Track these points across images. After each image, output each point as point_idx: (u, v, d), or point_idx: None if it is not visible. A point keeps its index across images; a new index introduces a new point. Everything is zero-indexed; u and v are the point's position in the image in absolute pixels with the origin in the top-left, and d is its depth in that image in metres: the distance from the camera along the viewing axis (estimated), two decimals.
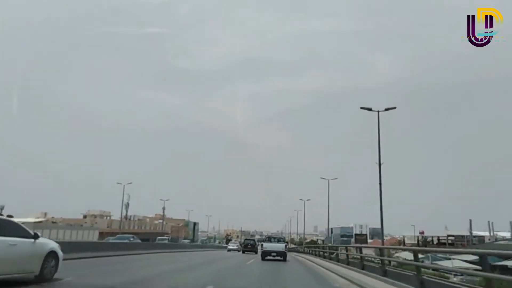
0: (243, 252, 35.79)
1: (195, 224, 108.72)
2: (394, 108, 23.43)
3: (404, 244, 69.11)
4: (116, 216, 71.95)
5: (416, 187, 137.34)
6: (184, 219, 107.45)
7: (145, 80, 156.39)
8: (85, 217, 76.00)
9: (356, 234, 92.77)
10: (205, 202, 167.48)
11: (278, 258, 22.84)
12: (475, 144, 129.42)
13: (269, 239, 26.33)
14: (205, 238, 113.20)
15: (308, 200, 63.99)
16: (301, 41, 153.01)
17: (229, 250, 44.01)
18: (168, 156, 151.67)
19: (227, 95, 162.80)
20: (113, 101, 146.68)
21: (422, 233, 73.35)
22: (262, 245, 25.31)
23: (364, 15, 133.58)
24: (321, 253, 27.87)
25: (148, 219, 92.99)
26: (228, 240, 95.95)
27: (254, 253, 34.83)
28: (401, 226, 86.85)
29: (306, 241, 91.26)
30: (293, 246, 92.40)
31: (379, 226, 23.32)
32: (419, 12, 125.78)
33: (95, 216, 75.37)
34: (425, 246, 61.95)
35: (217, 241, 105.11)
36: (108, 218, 76.81)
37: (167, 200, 75.55)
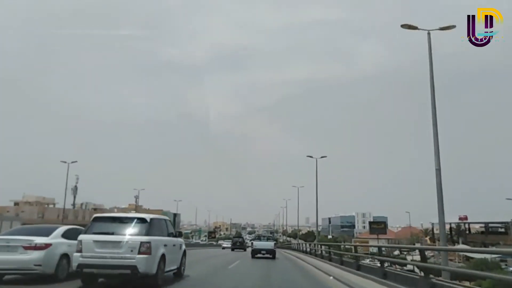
0: (232, 249, 36.43)
1: (175, 215, 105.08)
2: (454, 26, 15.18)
3: (433, 235, 60.54)
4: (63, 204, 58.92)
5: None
6: (162, 210, 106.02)
7: (130, 72, 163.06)
8: (16, 204, 63.42)
9: (371, 222, 74.07)
10: (195, 195, 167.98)
11: (268, 255, 23.65)
12: None
13: (259, 237, 27.78)
14: (189, 231, 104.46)
15: (301, 187, 61.93)
16: (289, 31, 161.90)
17: (224, 247, 45.32)
18: (152, 149, 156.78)
19: (214, 86, 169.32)
20: (94, 93, 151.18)
21: (463, 218, 57.19)
22: (252, 243, 26.30)
23: (352, 4, 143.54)
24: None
25: (116, 210, 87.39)
26: (211, 233, 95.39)
27: (243, 250, 36.17)
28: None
29: (300, 232, 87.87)
30: (286, 239, 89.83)
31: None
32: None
33: (30, 204, 63.11)
34: (459, 236, 55.21)
35: (201, 236, 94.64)
36: (52, 206, 64.98)
37: (142, 189, 73.89)
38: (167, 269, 8.62)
